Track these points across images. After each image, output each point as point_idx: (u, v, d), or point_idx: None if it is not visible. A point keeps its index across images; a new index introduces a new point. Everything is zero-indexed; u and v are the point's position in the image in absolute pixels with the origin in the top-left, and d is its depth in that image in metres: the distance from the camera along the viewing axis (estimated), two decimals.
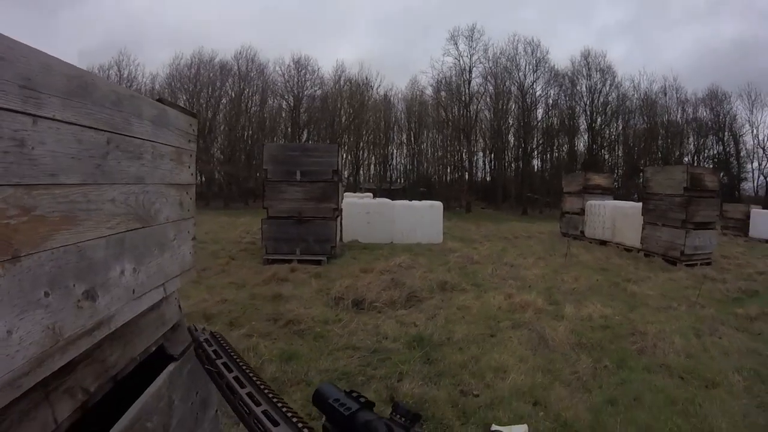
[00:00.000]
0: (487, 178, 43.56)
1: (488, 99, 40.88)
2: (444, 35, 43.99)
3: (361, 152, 43.54)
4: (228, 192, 36.95)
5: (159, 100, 1.36)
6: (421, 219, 11.76)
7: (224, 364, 0.94)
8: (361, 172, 43.82)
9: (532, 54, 40.62)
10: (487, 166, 43.85)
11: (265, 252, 8.97)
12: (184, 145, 1.56)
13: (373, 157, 44.81)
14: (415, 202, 12.67)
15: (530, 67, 40.60)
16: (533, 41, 40.79)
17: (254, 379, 0.87)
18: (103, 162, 1.04)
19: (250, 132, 40.31)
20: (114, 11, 59.29)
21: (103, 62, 40.82)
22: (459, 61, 40.49)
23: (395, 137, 44.37)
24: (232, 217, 20.72)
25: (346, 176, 39.43)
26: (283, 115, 42.23)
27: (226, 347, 1.00)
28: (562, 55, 56.47)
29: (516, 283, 7.42)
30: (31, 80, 0.84)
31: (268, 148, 9.28)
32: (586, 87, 40.70)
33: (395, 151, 44.74)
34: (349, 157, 42.35)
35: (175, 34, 61.32)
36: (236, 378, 0.89)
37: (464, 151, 40.33)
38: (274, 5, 71.91)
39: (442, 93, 41.65)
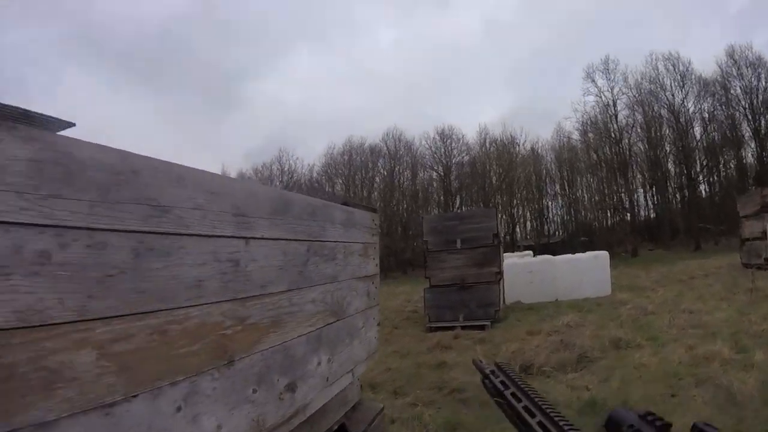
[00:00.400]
0: (651, 215, 38.95)
1: (639, 130, 37.15)
2: (579, 74, 41.84)
3: (515, 210, 42.74)
4: (386, 263, 38.65)
5: (345, 203, 1.46)
6: (586, 272, 10.81)
7: (512, 394, 0.89)
8: (518, 229, 42.79)
9: (674, 69, 36.17)
10: (649, 202, 39.30)
11: (428, 320, 8.99)
12: (369, 239, 1.64)
13: (528, 213, 43.84)
14: (578, 255, 11.76)
15: (676, 83, 36.11)
16: (672, 55, 36.34)
17: (545, 407, 0.81)
18: (304, 268, 1.12)
19: (405, 205, 42.49)
20: (272, 112, 68.78)
21: (266, 160, 47.35)
22: (600, 97, 37.88)
23: (548, 189, 42.85)
24: (391, 287, 21.40)
25: (502, 236, 38.85)
26: (435, 185, 44.06)
27: (514, 377, 0.95)
28: (706, 59, 49.35)
29: (697, 331, 6.28)
30: (241, 208, 0.93)
31: (427, 221, 9.53)
32: (740, 89, 34.49)
33: (550, 203, 42.95)
34: (504, 216, 41.86)
35: (327, 126, 68.29)
36: (526, 407, 0.83)
37: (622, 190, 36.96)
38: (416, 83, 76.37)
39: (590, 134, 39.10)
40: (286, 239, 1.07)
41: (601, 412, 3.91)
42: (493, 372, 0.99)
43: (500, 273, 9.02)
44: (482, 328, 8.29)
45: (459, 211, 35.75)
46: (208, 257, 0.82)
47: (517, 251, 23.53)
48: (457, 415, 4.27)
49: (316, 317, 1.20)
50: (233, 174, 50.86)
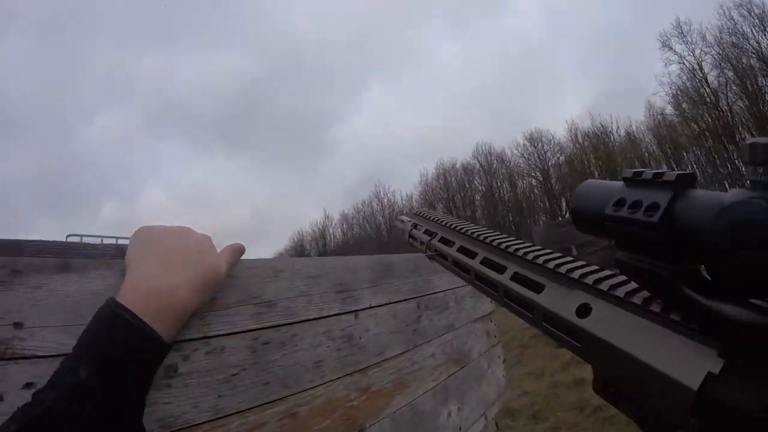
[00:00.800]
0: None
1: (733, 87, 32.66)
2: (653, 45, 38.05)
3: None
4: None
5: None
6: None
7: (441, 239, 0.67)
8: None
9: (750, 14, 31.40)
10: None
11: (557, 342, 8.49)
12: None
13: None
14: None
15: (757, 28, 31.34)
16: (743, 0, 31.46)
17: (482, 236, 0.58)
18: (418, 325, 1.10)
19: (510, 218, 41.15)
20: (361, 150, 71.07)
21: (364, 197, 48.99)
22: (683, 63, 34.30)
23: None
24: None
25: None
26: (536, 192, 42.32)
27: (437, 218, 0.71)
28: None
29: None
30: (343, 283, 0.93)
31: (537, 232, 9.17)
32: None
33: None
34: None
35: (416, 153, 68.96)
36: (462, 248, 0.61)
37: (735, 157, 32.45)
38: (491, 91, 75.24)
39: (684, 105, 35.38)
40: (394, 302, 1.06)
41: None
42: (414, 225, 0.77)
43: None
44: None
45: (569, 216, 34.03)
46: (321, 338, 0.83)
47: None
48: None
49: (439, 370, 1.17)
50: (336, 215, 53.10)
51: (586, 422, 4.37)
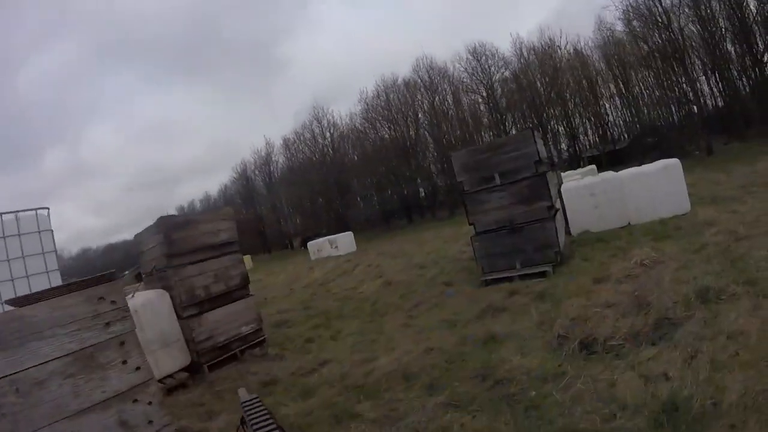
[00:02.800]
0: (720, 104, 33.47)
1: (686, 9, 31.11)
2: None
3: (572, 120, 38.67)
4: (449, 200, 36.75)
5: None
6: (657, 187, 8.94)
7: None
8: (580, 139, 39.13)
9: None
10: (714, 90, 33.62)
11: (482, 272, 7.81)
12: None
13: (586, 122, 39.48)
14: (645, 168, 9.67)
15: None
16: None
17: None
18: None
19: (457, 133, 39.61)
20: (310, 70, 66.91)
21: (306, 120, 46.76)
22: None
23: (602, 91, 37.79)
24: (455, 227, 20.07)
25: (561, 153, 35.63)
26: (482, 108, 40.39)
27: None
28: None
29: None
30: None
31: (457, 158, 8.06)
32: None
33: (608, 105, 38.34)
34: (561, 128, 38.33)
35: (360, 76, 65.29)
36: None
37: (683, 80, 31.88)
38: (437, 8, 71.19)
39: (634, 23, 33.43)
40: None
41: (686, 420, 2.59)
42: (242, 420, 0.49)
43: (553, 207, 7.48)
44: (543, 275, 6.97)
45: (491, 140, 32.33)
46: None
47: (581, 166, 21.20)
48: (496, 424, 3.20)
49: None
50: (278, 142, 50.86)
51: (482, 398, 3.63)
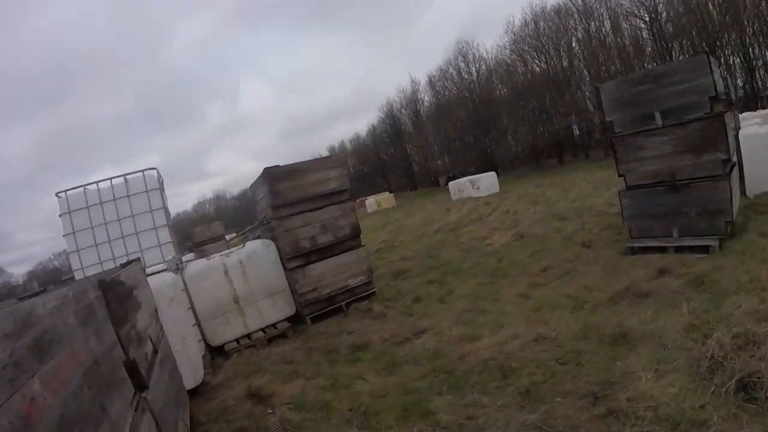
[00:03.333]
0: None
1: None
2: None
3: (749, 50, 29.53)
4: (605, 140, 32.09)
5: None
6: None
7: None
8: (757, 75, 30.16)
9: None
10: None
11: (630, 236, 6.28)
12: None
13: (766, 52, 30.18)
14: None
15: None
16: None
17: None
18: None
19: (615, 65, 33.35)
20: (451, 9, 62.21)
21: (450, 56, 43.52)
22: None
23: None
24: (608, 171, 17.46)
25: (737, 89, 28.13)
26: (644, 35, 33.33)
27: None
28: None
29: None
30: None
31: (607, 91, 6.30)
32: None
33: None
34: (738, 59, 30.06)
35: (506, 3, 58.94)
36: None
37: None
38: None
39: None
40: None
41: None
42: None
43: (729, 160, 5.45)
44: (705, 250, 5.28)
45: (652, 67, 26.29)
46: None
47: (760, 108, 16.24)
48: None
49: None
50: (422, 80, 49.09)
51: (587, 425, 2.65)
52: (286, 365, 5.08)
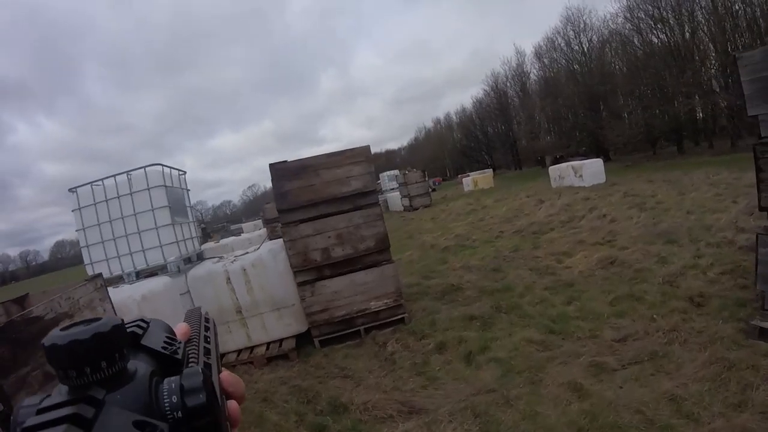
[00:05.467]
0: None
1: None
2: None
3: None
4: (732, 126, 25.82)
5: None
6: None
7: None
8: None
9: None
10: None
11: (762, 306, 3.84)
12: None
13: None
14: None
15: None
16: None
17: None
18: None
19: (745, 38, 26.24)
20: None
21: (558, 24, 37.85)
22: None
23: None
24: (736, 169, 13.67)
25: None
26: None
27: None
28: None
29: None
30: None
31: (749, 63, 3.73)
32: None
33: None
34: None
35: None
36: None
37: None
38: None
39: None
40: None
41: None
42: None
43: None
44: None
45: None
46: None
47: None
48: None
49: None
50: (528, 50, 44.27)
51: None
52: (259, 404, 4.15)
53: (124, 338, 0.32)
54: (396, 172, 34.43)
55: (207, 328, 0.50)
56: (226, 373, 0.44)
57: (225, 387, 0.42)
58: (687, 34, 28.36)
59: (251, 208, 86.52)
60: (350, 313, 5.51)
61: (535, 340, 4.42)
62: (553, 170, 21.85)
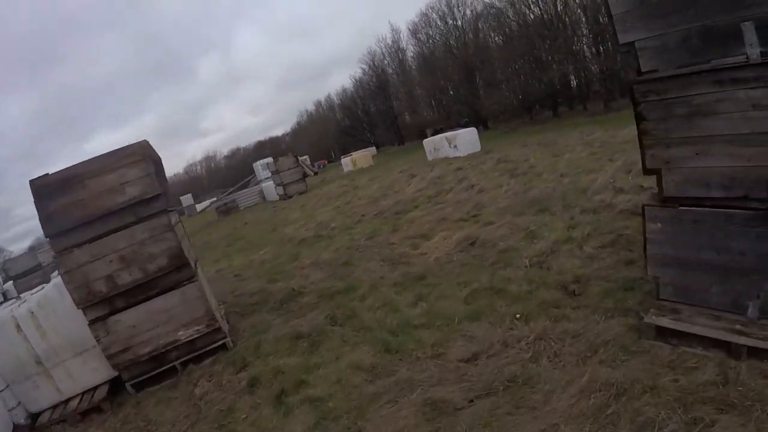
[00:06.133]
0: None
1: None
2: None
3: None
4: (605, 90, 27.83)
5: None
6: None
7: None
8: None
9: None
10: None
11: (656, 296, 3.26)
12: None
13: None
14: None
15: None
16: None
17: None
18: None
19: None
20: None
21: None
22: None
23: None
24: (611, 128, 14.19)
25: None
26: None
27: None
28: None
29: None
30: None
31: None
32: None
33: None
34: None
35: None
36: None
37: None
38: None
39: None
40: None
41: None
42: None
43: None
44: None
45: None
46: None
47: None
48: None
49: None
50: (403, 27, 43.74)
51: None
52: None
53: None
54: (269, 159, 32.76)
55: None
56: None
57: None
58: (560, 7, 29.83)
59: None
60: (158, 348, 4.51)
61: (364, 366, 3.65)
62: (428, 143, 21.90)
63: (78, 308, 4.35)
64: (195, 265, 5.12)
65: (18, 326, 4.56)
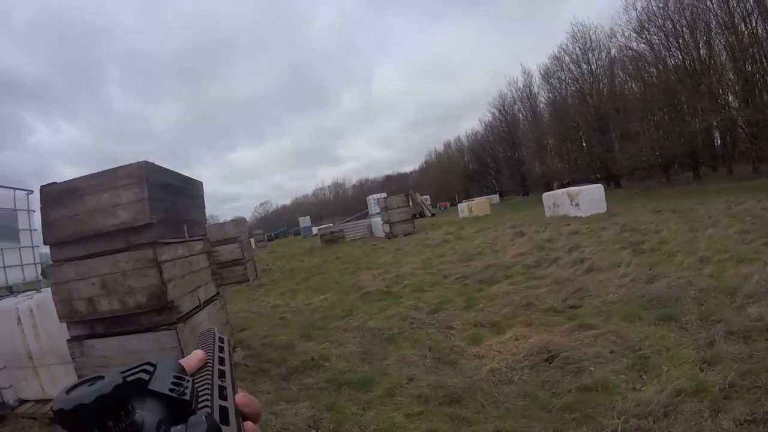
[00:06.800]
0: None
1: None
2: None
3: None
4: (756, 149, 23.35)
5: None
6: None
7: None
8: None
9: None
10: None
11: None
12: None
13: None
14: None
15: None
16: None
17: None
18: None
19: (765, 51, 23.53)
20: None
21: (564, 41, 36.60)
22: None
23: None
24: (762, 197, 11.58)
25: None
26: None
27: None
28: None
29: None
30: None
31: None
32: None
33: None
34: None
35: None
36: None
37: None
38: None
39: None
40: None
41: None
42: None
43: None
44: None
45: None
46: None
47: None
48: None
49: None
50: (535, 71, 41.77)
51: None
52: None
53: (127, 395, 0.32)
54: (383, 195, 32.88)
55: (221, 349, 0.49)
56: (241, 395, 0.43)
57: (240, 408, 0.41)
58: (703, 51, 26.15)
59: (262, 225, 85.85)
60: None
61: None
62: (548, 197, 20.04)
63: (60, 322, 4.07)
64: (202, 304, 4.63)
65: (19, 319, 4.74)
